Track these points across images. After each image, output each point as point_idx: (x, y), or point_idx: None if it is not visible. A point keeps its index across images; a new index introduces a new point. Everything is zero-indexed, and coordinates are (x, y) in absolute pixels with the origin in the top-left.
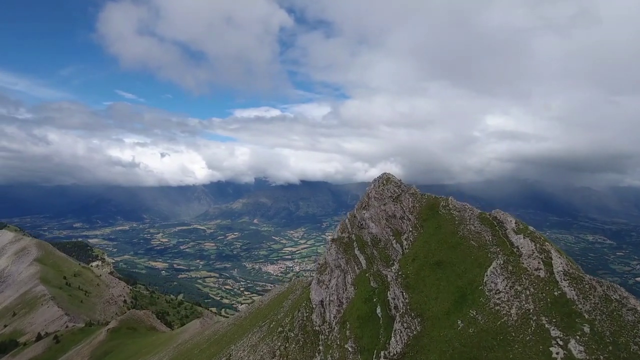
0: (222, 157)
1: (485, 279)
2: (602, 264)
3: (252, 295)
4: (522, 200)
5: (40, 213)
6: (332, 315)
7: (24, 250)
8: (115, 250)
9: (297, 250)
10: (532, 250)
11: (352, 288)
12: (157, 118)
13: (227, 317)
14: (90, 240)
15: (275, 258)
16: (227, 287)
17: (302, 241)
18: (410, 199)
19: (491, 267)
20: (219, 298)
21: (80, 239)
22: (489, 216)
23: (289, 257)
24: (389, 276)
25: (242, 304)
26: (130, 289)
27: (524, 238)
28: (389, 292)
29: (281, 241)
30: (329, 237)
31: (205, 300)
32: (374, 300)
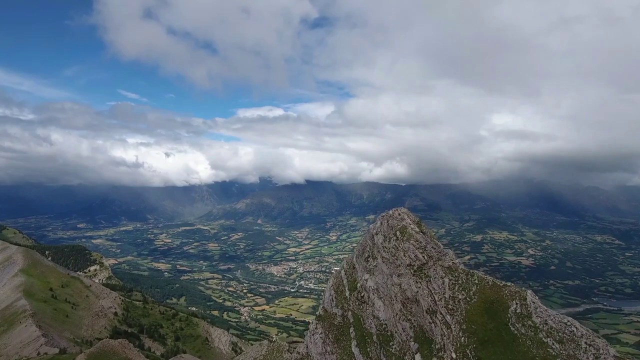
0: (226, 157)
1: None
2: (611, 265)
3: (255, 297)
4: (529, 200)
5: (45, 213)
6: None
7: (9, 260)
8: (118, 251)
9: (301, 251)
10: None
11: None
12: (160, 118)
13: (229, 319)
14: (94, 241)
15: (279, 259)
16: (230, 289)
17: (305, 242)
18: (447, 280)
19: None
20: (221, 301)
21: (84, 240)
22: None
23: (293, 257)
24: None
25: (244, 306)
26: (122, 300)
27: None
28: None
29: (285, 242)
30: (317, 312)
31: (208, 303)
32: None
